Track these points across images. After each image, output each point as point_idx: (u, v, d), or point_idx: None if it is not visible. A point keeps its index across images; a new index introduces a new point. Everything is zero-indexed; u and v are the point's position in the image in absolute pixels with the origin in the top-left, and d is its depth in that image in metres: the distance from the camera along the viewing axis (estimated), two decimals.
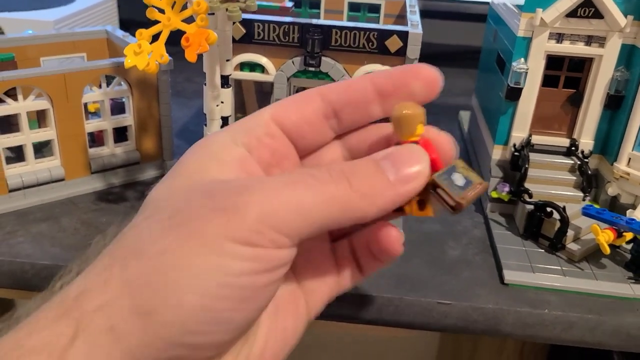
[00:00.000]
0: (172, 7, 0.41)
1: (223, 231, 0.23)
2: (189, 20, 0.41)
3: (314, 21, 0.53)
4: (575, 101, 0.52)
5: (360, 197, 0.24)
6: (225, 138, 0.27)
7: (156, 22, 0.41)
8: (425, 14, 0.98)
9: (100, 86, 0.54)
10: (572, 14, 0.48)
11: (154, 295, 0.22)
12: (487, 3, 0.67)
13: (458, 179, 0.27)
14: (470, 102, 0.72)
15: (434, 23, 0.99)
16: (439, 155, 0.28)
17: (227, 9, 0.39)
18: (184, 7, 0.41)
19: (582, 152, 0.52)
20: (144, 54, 0.40)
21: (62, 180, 0.53)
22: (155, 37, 0.41)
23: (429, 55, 1.06)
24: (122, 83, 0.54)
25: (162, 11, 0.41)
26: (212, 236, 0.23)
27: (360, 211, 0.25)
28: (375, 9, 0.69)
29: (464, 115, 0.75)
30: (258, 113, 0.28)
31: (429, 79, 0.29)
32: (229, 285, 0.23)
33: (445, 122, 0.78)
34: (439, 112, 0.80)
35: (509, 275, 0.46)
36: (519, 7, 0.52)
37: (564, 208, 0.47)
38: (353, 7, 0.69)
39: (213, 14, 0.43)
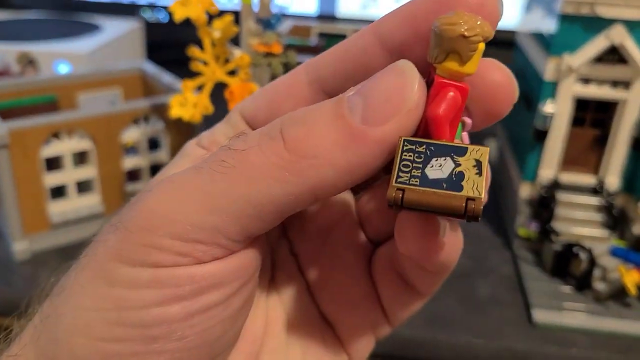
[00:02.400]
0: (217, 60, 0.42)
1: (113, 252, 0.17)
2: (231, 72, 0.43)
3: None
4: (602, 140, 0.53)
5: (302, 159, 0.16)
6: (191, 143, 0.22)
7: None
8: None
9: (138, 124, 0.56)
10: (597, 59, 0.49)
11: (52, 342, 0.18)
12: (513, 32, 0.69)
13: (442, 164, 0.16)
14: (496, 130, 0.73)
15: None
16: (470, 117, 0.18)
17: (269, 64, 0.41)
18: (227, 61, 0.43)
19: (609, 190, 0.53)
20: (189, 105, 0.42)
21: (102, 216, 0.55)
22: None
23: None
24: (158, 121, 0.56)
25: (205, 63, 0.43)
26: (102, 261, 0.17)
27: (311, 179, 0.16)
28: None
29: (491, 144, 0.76)
30: (230, 112, 0.22)
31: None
32: (129, 323, 0.17)
33: None
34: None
35: (538, 315, 0.47)
36: (543, 42, 0.53)
37: (590, 249, 0.49)
38: None
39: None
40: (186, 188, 0.17)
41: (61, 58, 0.77)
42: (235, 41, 0.44)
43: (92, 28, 0.91)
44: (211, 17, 0.40)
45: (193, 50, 0.42)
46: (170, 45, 0.84)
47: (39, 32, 0.85)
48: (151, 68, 0.63)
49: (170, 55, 0.75)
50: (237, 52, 0.42)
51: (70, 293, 0.17)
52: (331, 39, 0.71)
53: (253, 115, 0.21)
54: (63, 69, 0.74)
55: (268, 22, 0.42)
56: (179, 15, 0.39)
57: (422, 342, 0.45)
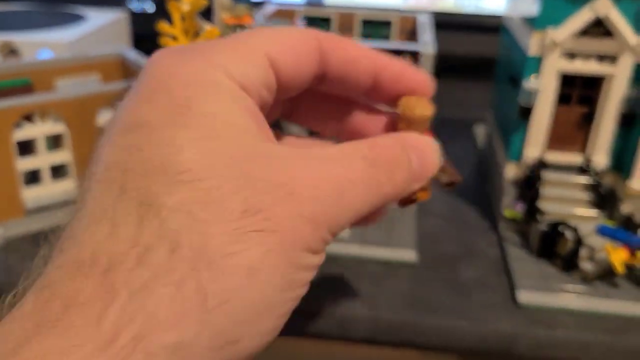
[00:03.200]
0: (186, 34, 0.41)
1: (303, 242, 0.19)
2: None
3: None
4: (589, 118, 0.52)
5: (390, 184, 0.23)
6: (233, 84, 0.21)
7: None
8: (440, 25, 0.98)
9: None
10: (582, 33, 0.48)
11: (238, 326, 0.18)
12: (500, 17, 0.68)
13: None
14: (485, 116, 0.72)
15: (449, 35, 1.00)
16: None
17: None
18: (197, 35, 0.41)
19: (596, 169, 0.52)
20: None
21: None
22: None
23: (444, 67, 1.07)
24: None
25: (175, 38, 0.42)
26: (289, 249, 0.19)
27: (386, 197, 0.23)
28: (386, 25, 0.70)
29: (478, 129, 0.75)
30: (252, 52, 0.22)
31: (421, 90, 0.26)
32: (296, 299, 0.20)
33: (460, 136, 0.78)
34: (453, 126, 0.81)
35: (523, 297, 0.46)
36: (530, 21, 0.52)
37: (576, 227, 0.47)
38: (364, 25, 0.70)
39: None
40: (346, 197, 0.21)
41: (43, 47, 0.75)
42: (209, 15, 0.42)
43: (76, 18, 0.90)
44: None
45: (162, 25, 0.41)
46: (157, 35, 0.83)
47: (23, 23, 0.84)
48: (131, 54, 0.62)
49: (156, 46, 0.73)
50: (206, 26, 0.40)
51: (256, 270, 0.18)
52: (316, 22, 0.70)
53: (279, 65, 0.22)
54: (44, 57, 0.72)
55: None
56: None
57: (403, 325, 0.44)
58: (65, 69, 0.61)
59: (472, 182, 0.65)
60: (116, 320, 0.16)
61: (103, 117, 0.53)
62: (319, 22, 0.70)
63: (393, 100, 0.25)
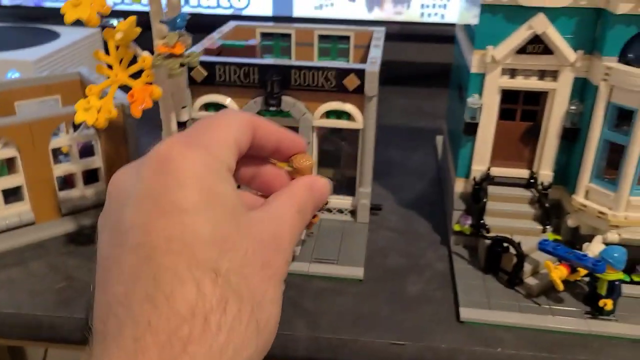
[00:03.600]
0: (120, 62, 0.42)
1: (284, 273, 0.30)
2: (139, 75, 0.42)
3: (273, 62, 0.54)
4: (534, 133, 0.52)
5: (307, 218, 0.33)
6: (222, 167, 0.30)
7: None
8: (407, 36, 0.99)
9: (68, 131, 0.55)
10: (522, 50, 0.48)
11: (272, 334, 0.28)
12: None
13: None
14: (442, 126, 0.72)
15: (416, 45, 1.00)
16: None
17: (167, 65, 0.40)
18: (133, 62, 0.42)
19: (542, 183, 0.52)
20: (93, 109, 0.41)
21: (33, 224, 0.54)
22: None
23: (410, 75, 1.07)
24: (90, 127, 0.56)
25: (110, 67, 0.42)
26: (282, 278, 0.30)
27: (303, 227, 0.33)
28: (345, 39, 0.70)
29: (439, 140, 0.75)
30: (224, 141, 0.30)
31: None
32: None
33: (424, 147, 0.78)
34: (419, 137, 0.81)
35: (465, 313, 0.46)
36: (471, 39, 0.52)
37: (519, 243, 0.48)
38: (324, 39, 0.70)
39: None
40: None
41: (11, 67, 0.76)
42: (149, 43, 0.43)
43: (51, 35, 0.91)
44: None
45: (97, 53, 0.42)
46: None
47: None
48: (88, 73, 0.63)
49: (132, 62, 0.74)
50: (143, 54, 0.41)
51: None
52: (276, 37, 0.71)
53: (240, 145, 0.31)
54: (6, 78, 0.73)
55: (174, 21, 0.42)
56: (69, 17, 0.38)
57: (343, 344, 0.44)
58: (25, 90, 0.62)
59: (429, 193, 0.66)
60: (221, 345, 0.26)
61: (55, 141, 0.54)
62: (279, 37, 0.71)
63: (286, 157, 0.35)
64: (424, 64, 1.04)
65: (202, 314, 0.25)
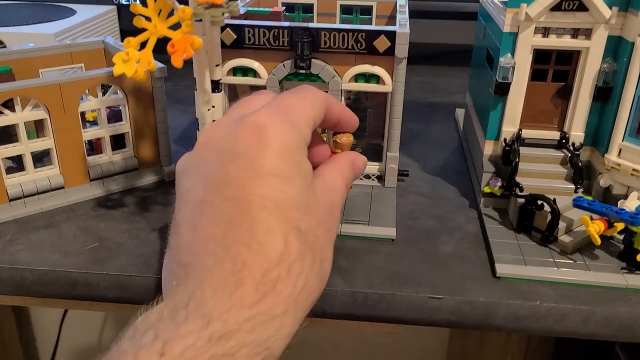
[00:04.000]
0: (159, 14, 0.42)
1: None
2: (176, 27, 0.42)
3: (303, 24, 0.53)
4: (565, 94, 0.52)
5: (348, 188, 0.40)
6: (303, 141, 0.35)
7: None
8: (422, 14, 0.98)
9: (97, 95, 0.55)
10: (556, 7, 0.48)
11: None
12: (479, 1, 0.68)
13: None
14: (464, 99, 0.72)
15: (431, 23, 1.00)
16: None
17: (210, 15, 0.40)
18: (171, 15, 0.42)
19: (573, 144, 0.52)
20: (132, 61, 0.41)
21: (62, 188, 0.54)
22: (144, 45, 0.42)
23: (426, 55, 1.08)
24: (118, 91, 0.56)
25: (149, 19, 0.42)
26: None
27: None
28: (367, 11, 0.70)
29: (460, 113, 0.75)
30: (306, 120, 0.35)
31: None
32: None
33: (442, 120, 0.78)
34: (437, 111, 0.81)
35: (501, 269, 0.46)
36: (504, 2, 0.52)
37: (554, 200, 0.48)
38: (345, 10, 0.70)
39: (200, 20, 0.44)
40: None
41: (30, 41, 0.76)
42: None
43: (67, 12, 0.91)
44: None
45: (135, 6, 0.42)
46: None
47: (13, 18, 0.85)
48: (112, 41, 0.63)
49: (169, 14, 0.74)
50: (180, 6, 0.41)
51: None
52: (298, 7, 0.71)
53: (315, 121, 0.37)
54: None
55: None
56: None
57: (380, 298, 0.44)
58: (49, 58, 0.61)
59: (453, 162, 0.66)
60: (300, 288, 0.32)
61: (84, 104, 0.54)
62: (300, 8, 0.71)
63: (337, 131, 0.42)
64: (433, 44, 1.05)
65: (288, 261, 0.30)
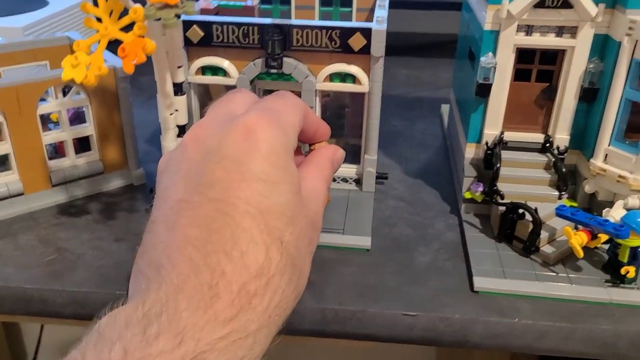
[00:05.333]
0: (110, 15, 0.39)
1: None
2: (130, 28, 0.39)
3: (274, 21, 0.51)
4: (549, 95, 0.50)
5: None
6: (291, 146, 0.34)
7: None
8: (409, 4, 0.95)
9: (57, 96, 0.52)
10: (540, 4, 0.45)
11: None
12: None
13: None
14: (448, 94, 0.69)
15: (419, 13, 0.97)
16: None
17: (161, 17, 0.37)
18: (125, 15, 0.39)
19: (558, 148, 0.50)
20: (81, 66, 0.38)
21: (21, 194, 0.52)
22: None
23: (414, 46, 1.04)
24: (81, 92, 0.53)
25: (100, 20, 0.39)
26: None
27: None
28: (348, 2, 0.67)
29: (445, 109, 0.73)
30: (292, 125, 0.34)
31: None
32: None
33: (428, 116, 0.75)
34: (422, 107, 0.78)
35: (479, 282, 0.44)
36: None
37: (536, 209, 0.45)
38: (325, 2, 0.67)
39: (160, 19, 0.41)
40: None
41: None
42: None
43: (39, 4, 0.87)
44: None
45: (85, 6, 0.39)
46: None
47: None
48: (78, 37, 0.59)
49: (122, 15, 0.71)
50: (133, 6, 0.38)
51: None
52: (275, 2, 0.67)
53: (299, 129, 0.36)
54: None
55: None
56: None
57: (351, 315, 0.42)
58: (12, 56, 0.58)
59: (436, 162, 0.63)
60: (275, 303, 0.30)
61: (43, 106, 0.51)
62: (278, 1, 0.68)
63: (313, 142, 0.40)
64: (421, 34, 1.02)
65: (267, 275, 0.29)
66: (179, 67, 0.45)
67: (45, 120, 0.56)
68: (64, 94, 0.52)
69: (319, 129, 0.39)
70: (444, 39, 1.00)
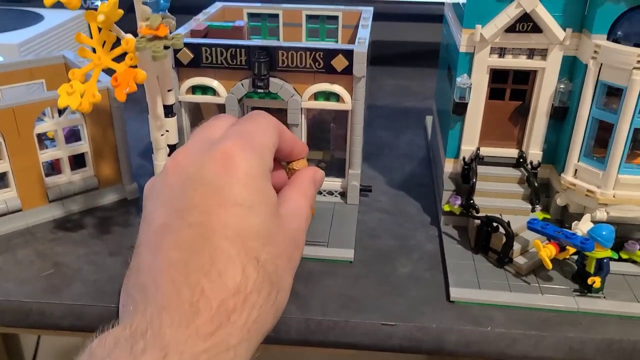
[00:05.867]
0: (103, 45, 0.41)
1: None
2: (122, 57, 0.41)
3: (260, 43, 0.53)
4: (523, 113, 0.52)
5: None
6: (267, 169, 0.36)
7: None
8: (397, 16, 0.98)
9: (53, 116, 0.54)
10: (511, 29, 0.48)
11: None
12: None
13: None
14: (432, 106, 0.72)
15: (402, 24, 0.99)
16: None
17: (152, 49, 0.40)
18: (118, 44, 0.41)
19: (531, 163, 0.52)
20: (76, 93, 0.41)
21: (20, 210, 0.54)
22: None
23: (401, 55, 1.07)
24: (76, 112, 0.55)
25: (94, 50, 0.41)
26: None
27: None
28: (334, 18, 0.69)
29: (429, 120, 0.75)
30: (267, 146, 0.36)
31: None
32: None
33: (414, 126, 0.78)
34: (408, 118, 0.81)
35: (455, 293, 0.46)
36: (460, 18, 0.52)
37: (508, 223, 0.48)
38: (311, 19, 0.69)
39: None
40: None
41: None
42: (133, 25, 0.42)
43: (34, 19, 0.89)
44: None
45: (79, 36, 0.41)
46: None
47: None
48: (73, 56, 0.62)
49: (116, 44, 0.73)
50: (126, 37, 0.40)
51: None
52: (264, 19, 0.70)
53: (274, 150, 0.38)
54: None
55: (157, 3, 0.41)
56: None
57: (334, 325, 0.44)
58: (8, 75, 0.61)
59: (419, 174, 0.65)
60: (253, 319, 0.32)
61: (40, 126, 0.53)
62: (267, 18, 0.70)
63: (290, 160, 0.42)
64: (410, 43, 1.04)
65: (244, 292, 0.31)
66: (169, 90, 0.47)
67: (41, 136, 0.58)
68: (60, 113, 0.55)
69: (294, 146, 0.41)
70: (433, 47, 1.02)
